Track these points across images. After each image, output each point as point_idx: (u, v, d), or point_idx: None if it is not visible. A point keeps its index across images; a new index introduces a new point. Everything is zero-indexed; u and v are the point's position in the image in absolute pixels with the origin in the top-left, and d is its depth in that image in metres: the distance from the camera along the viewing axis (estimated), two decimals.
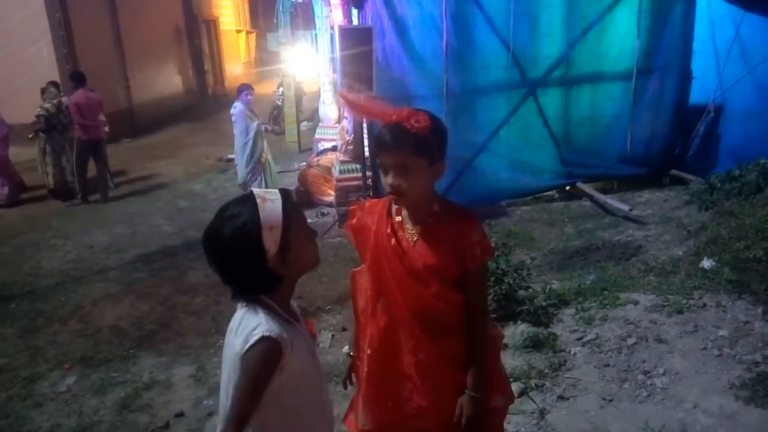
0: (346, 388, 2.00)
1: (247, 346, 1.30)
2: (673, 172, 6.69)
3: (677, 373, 2.96)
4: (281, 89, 11.48)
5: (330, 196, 6.96)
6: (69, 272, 5.66)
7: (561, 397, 2.90)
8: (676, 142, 6.88)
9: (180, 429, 3.24)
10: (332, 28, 8.19)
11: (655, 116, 6.69)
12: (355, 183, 6.34)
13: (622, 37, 6.41)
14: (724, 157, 6.57)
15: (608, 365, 3.09)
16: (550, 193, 6.73)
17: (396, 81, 5.97)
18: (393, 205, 1.76)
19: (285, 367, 1.33)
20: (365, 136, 6.00)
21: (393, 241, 1.71)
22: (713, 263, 3.86)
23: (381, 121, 1.65)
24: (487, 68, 6.22)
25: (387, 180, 1.64)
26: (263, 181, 7.04)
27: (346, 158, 6.69)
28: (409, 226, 1.72)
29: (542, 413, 2.80)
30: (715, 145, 6.81)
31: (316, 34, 9.66)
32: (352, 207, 1.88)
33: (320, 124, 9.22)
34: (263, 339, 1.29)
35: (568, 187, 6.73)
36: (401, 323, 1.73)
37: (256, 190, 1.39)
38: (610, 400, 2.83)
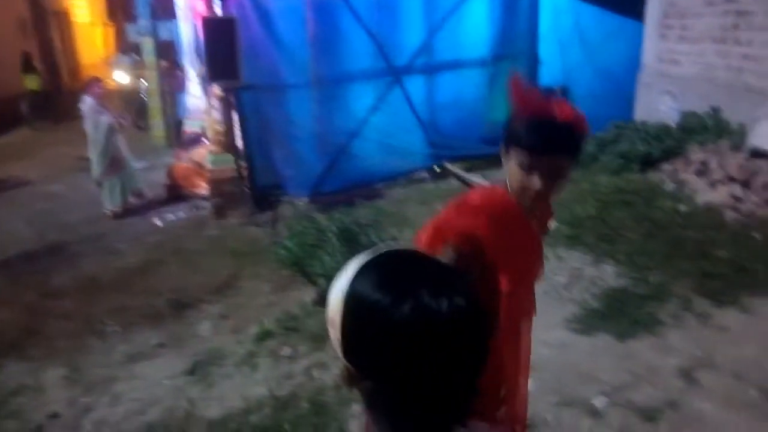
0: None
1: None
2: None
3: None
4: (144, 82, 10.91)
5: (204, 188, 6.82)
6: None
7: None
8: None
9: (55, 430, 3.14)
10: (195, 18, 8.00)
11: (509, 99, 7.29)
12: (229, 175, 6.28)
13: (476, 26, 6.89)
14: None
15: None
16: (423, 175, 7.08)
17: (264, 70, 5.98)
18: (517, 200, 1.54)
19: None
20: (236, 126, 5.99)
21: (539, 240, 1.64)
22: (555, 223, 4.38)
23: (545, 115, 1.43)
24: (354, 57, 6.39)
25: (533, 182, 1.43)
26: (120, 180, 6.61)
27: (218, 149, 6.61)
28: None
29: None
30: None
31: (178, 24, 9.33)
32: (474, 225, 1.51)
33: (188, 116, 8.97)
34: None
35: (438, 169, 7.14)
36: (527, 316, 1.69)
37: None
38: None
